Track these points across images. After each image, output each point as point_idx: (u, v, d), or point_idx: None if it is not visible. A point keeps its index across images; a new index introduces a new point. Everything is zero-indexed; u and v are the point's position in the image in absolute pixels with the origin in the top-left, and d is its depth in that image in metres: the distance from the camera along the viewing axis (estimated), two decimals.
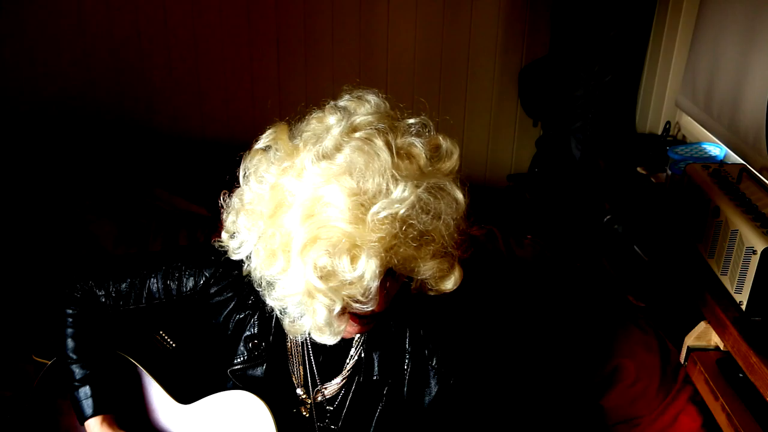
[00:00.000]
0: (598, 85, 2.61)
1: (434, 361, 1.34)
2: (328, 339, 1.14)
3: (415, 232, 1.07)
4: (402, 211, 1.05)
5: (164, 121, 3.09)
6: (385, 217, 1.04)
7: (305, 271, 1.05)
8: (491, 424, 1.77)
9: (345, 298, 1.07)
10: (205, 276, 1.35)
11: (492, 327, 1.96)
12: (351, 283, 1.05)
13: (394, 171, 1.07)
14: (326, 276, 1.05)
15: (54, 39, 2.95)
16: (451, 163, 1.15)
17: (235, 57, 3.00)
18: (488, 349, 1.90)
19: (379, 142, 1.09)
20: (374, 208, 1.04)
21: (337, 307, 1.08)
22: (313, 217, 1.06)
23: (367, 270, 1.04)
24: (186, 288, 1.36)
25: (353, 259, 1.04)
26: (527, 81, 2.93)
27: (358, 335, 1.33)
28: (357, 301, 1.09)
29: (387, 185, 1.06)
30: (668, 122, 2.80)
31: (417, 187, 1.07)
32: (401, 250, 1.07)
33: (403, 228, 1.06)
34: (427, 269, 1.12)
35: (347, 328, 1.17)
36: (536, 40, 2.93)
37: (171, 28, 2.95)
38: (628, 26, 2.59)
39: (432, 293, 1.22)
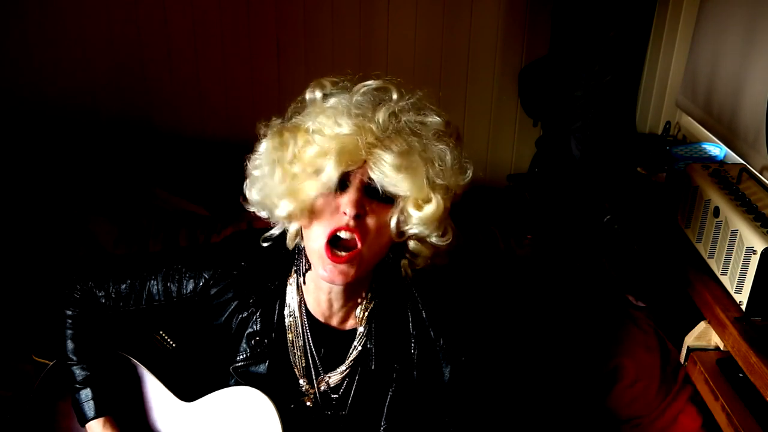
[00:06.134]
0: (598, 85, 2.61)
1: (442, 342, 1.36)
2: (330, 180, 1.19)
3: (408, 131, 1.20)
4: (398, 108, 1.21)
5: (164, 121, 3.09)
6: (386, 111, 1.19)
7: (297, 143, 1.21)
8: (499, 412, 1.78)
9: (339, 149, 1.17)
10: (205, 278, 1.36)
11: (491, 324, 1.95)
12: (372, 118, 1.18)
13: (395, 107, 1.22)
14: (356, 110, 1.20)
15: (54, 39, 2.95)
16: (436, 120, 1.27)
17: (235, 57, 3.00)
18: (491, 337, 1.90)
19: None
20: (378, 112, 1.19)
21: (332, 158, 1.17)
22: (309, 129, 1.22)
23: (383, 110, 1.19)
24: (186, 290, 1.36)
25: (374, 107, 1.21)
26: (527, 81, 2.93)
27: (361, 328, 1.34)
28: (355, 170, 1.18)
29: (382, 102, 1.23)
30: (668, 122, 2.80)
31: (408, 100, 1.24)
32: (394, 145, 1.18)
33: (399, 122, 1.20)
34: (409, 187, 1.19)
35: (329, 269, 1.20)
36: (536, 40, 2.92)
37: (171, 28, 2.95)
38: (628, 26, 2.58)
39: (414, 229, 1.24)
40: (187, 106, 3.07)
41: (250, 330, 1.35)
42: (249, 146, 1.31)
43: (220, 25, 2.95)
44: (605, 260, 2.24)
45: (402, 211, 1.22)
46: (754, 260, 1.65)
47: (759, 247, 1.64)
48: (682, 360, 1.89)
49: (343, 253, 1.19)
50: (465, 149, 1.29)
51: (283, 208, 1.22)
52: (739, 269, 1.72)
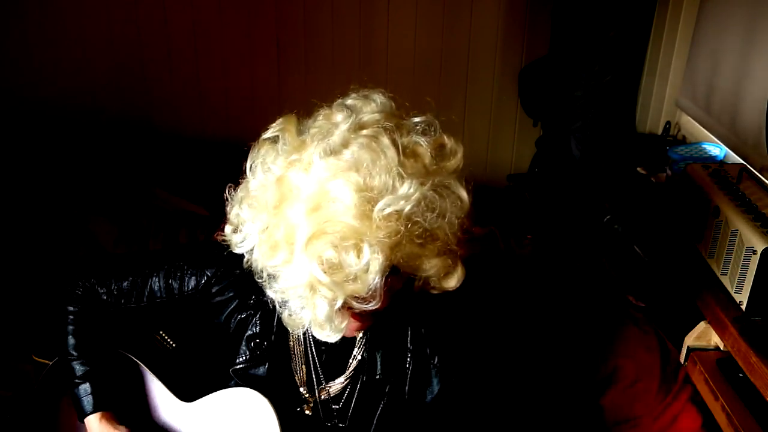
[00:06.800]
0: (598, 85, 2.61)
1: (436, 360, 1.34)
2: (329, 335, 1.14)
3: (420, 230, 1.08)
4: (407, 209, 1.06)
5: (164, 121, 3.09)
6: (391, 213, 1.05)
7: (310, 264, 1.05)
8: (491, 423, 1.77)
9: (348, 294, 1.07)
10: (207, 275, 1.35)
11: (492, 326, 1.96)
12: (355, 278, 1.05)
13: (400, 169, 1.07)
14: (331, 269, 1.05)
15: (54, 39, 2.95)
16: (456, 161, 1.16)
17: (235, 57, 3.00)
18: (489, 348, 1.90)
19: (386, 141, 1.09)
20: (380, 205, 1.04)
21: (339, 302, 1.08)
22: (319, 211, 1.06)
23: (372, 264, 1.04)
24: (187, 287, 1.36)
25: (359, 254, 1.04)
26: (527, 81, 2.93)
27: (361, 335, 1.33)
28: (360, 299, 1.09)
29: (393, 182, 1.06)
30: (668, 122, 2.80)
31: (422, 185, 1.07)
32: (406, 247, 1.08)
33: (408, 225, 1.07)
34: (430, 267, 1.13)
35: (348, 326, 1.17)
36: (536, 40, 2.93)
37: (171, 28, 2.95)
38: (628, 26, 2.58)
39: (435, 292, 1.22)
40: (187, 106, 3.07)
41: (249, 332, 1.34)
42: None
43: (220, 25, 2.95)
44: (605, 260, 2.24)
45: (421, 278, 1.19)
46: (754, 260, 1.66)
47: (759, 247, 1.64)
48: (682, 360, 1.89)
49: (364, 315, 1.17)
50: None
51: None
52: (739, 269, 1.72)
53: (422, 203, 1.07)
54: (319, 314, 1.10)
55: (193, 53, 2.99)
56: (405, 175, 1.07)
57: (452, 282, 1.19)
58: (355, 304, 1.10)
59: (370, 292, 1.07)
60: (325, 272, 1.05)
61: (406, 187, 1.06)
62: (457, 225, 1.14)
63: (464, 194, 1.14)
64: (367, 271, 1.04)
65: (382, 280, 1.06)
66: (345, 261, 1.04)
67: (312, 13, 2.92)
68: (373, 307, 1.10)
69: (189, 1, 2.91)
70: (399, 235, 1.06)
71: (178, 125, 3.09)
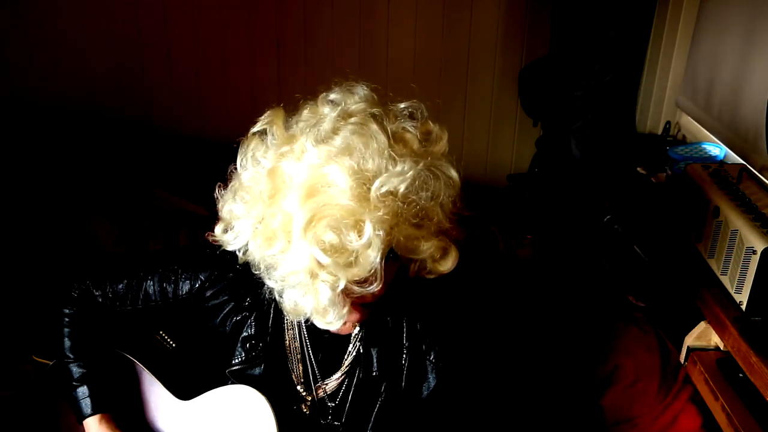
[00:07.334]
0: (598, 85, 2.61)
1: (432, 356, 1.34)
2: (331, 322, 1.13)
3: (416, 209, 1.10)
4: (403, 187, 1.07)
5: (164, 121, 3.09)
6: (387, 193, 1.06)
7: (311, 249, 1.05)
8: (490, 422, 1.77)
9: (349, 278, 1.07)
10: (201, 279, 1.35)
11: (491, 325, 1.96)
12: (356, 258, 1.05)
13: (391, 151, 1.09)
14: (332, 251, 1.05)
15: (54, 39, 2.95)
16: (441, 145, 1.18)
17: (235, 57, 3.00)
18: (486, 347, 1.90)
19: (375, 126, 1.11)
20: (376, 184, 1.06)
21: (341, 284, 1.07)
22: (315, 197, 1.07)
23: (374, 241, 1.04)
24: (182, 291, 1.36)
25: (360, 232, 1.05)
26: (527, 81, 2.93)
27: (356, 331, 1.33)
28: (360, 283, 1.09)
29: (386, 165, 1.08)
30: (668, 122, 2.80)
31: (416, 164, 1.09)
32: (404, 228, 1.09)
33: (404, 205, 1.08)
34: (427, 248, 1.14)
35: (347, 316, 1.17)
36: (536, 40, 2.93)
37: (171, 28, 2.95)
38: (628, 26, 2.58)
39: (430, 276, 1.22)
40: (187, 106, 3.07)
41: (245, 334, 1.34)
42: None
43: (220, 25, 2.95)
44: (605, 260, 2.24)
45: (417, 261, 1.19)
46: (754, 260, 1.66)
47: (759, 247, 1.64)
48: (682, 360, 1.89)
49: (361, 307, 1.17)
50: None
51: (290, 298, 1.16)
52: (739, 269, 1.72)
53: (416, 182, 1.09)
54: (321, 299, 1.09)
55: (193, 53, 2.99)
56: (397, 157, 1.09)
57: (447, 264, 1.20)
58: (355, 288, 1.10)
59: (372, 271, 1.07)
60: (325, 254, 1.05)
61: (400, 167, 1.08)
62: (449, 205, 1.15)
63: (455, 174, 1.16)
64: (369, 247, 1.04)
65: (382, 260, 1.07)
66: (346, 240, 1.04)
67: (312, 13, 2.92)
68: (374, 290, 1.10)
69: (189, 1, 2.91)
70: (395, 216, 1.07)
71: (178, 125, 3.09)
